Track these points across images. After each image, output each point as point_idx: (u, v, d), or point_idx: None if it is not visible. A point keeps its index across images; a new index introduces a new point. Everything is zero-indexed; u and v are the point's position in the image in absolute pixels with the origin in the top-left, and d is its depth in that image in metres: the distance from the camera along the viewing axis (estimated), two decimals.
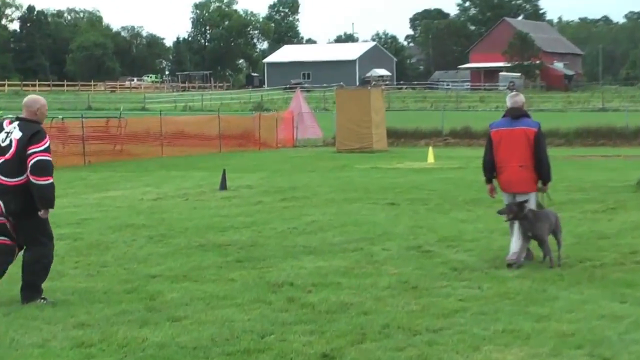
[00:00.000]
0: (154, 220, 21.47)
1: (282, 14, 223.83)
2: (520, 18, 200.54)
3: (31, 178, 12.01)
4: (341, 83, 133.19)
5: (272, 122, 55.76)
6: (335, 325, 11.10)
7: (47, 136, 12.41)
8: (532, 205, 15.50)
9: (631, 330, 10.79)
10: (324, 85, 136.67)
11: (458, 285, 13.48)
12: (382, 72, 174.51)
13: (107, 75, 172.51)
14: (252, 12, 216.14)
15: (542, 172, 15.47)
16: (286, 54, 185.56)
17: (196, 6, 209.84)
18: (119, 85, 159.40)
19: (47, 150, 12.19)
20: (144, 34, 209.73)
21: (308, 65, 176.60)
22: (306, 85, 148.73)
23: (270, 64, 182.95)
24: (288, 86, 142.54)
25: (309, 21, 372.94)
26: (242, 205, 24.68)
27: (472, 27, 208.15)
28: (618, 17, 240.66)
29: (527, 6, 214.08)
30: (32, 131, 12.19)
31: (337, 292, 13.09)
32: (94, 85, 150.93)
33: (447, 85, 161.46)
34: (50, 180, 12.15)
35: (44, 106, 12.62)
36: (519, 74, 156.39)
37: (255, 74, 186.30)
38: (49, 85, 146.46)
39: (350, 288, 13.35)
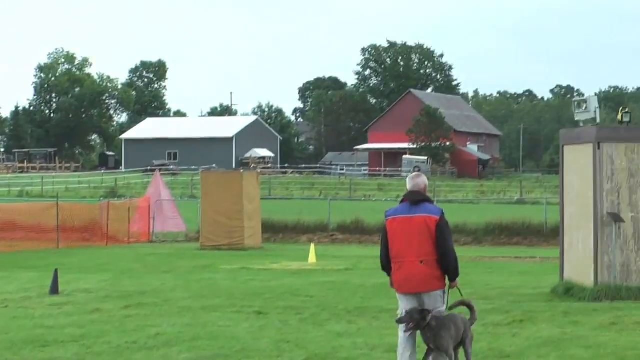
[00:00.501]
0: None
1: (146, 80, 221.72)
2: (429, 91, 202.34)
3: None
4: (214, 165, 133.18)
5: (125, 212, 54.82)
6: None
7: None
8: (439, 307, 15.26)
9: None
10: (193, 167, 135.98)
11: None
12: (264, 152, 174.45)
13: None
14: (109, 77, 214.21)
15: (448, 267, 15.24)
16: (149, 128, 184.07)
17: (40, 69, 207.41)
18: None
19: None
20: None
21: (175, 143, 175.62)
22: (172, 167, 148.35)
23: (129, 141, 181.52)
24: (150, 168, 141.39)
25: (178, 90, 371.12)
26: (75, 313, 24.13)
27: (373, 101, 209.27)
28: (543, 92, 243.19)
29: (438, 76, 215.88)
30: None
31: None
32: None
33: (341, 169, 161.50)
34: None
35: None
36: (425, 157, 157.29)
37: (111, 153, 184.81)
38: None
39: None
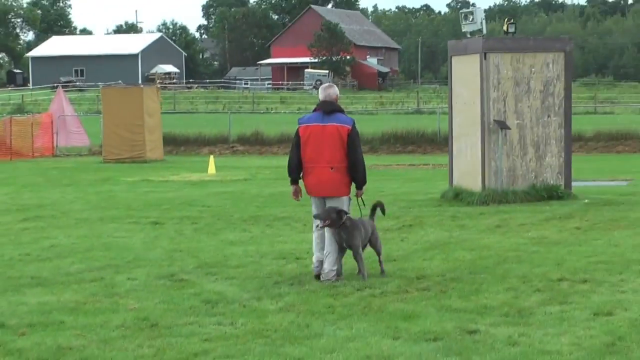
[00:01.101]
0: None
1: (52, 0, 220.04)
2: (330, 6, 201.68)
3: None
4: (119, 81, 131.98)
5: (28, 128, 54.12)
6: None
7: None
8: (345, 209, 15.68)
9: None
10: (99, 84, 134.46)
11: (207, 322, 12.93)
12: (170, 68, 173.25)
13: None
14: None
15: (356, 174, 15.77)
16: (55, 46, 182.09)
17: None
18: None
19: None
20: None
21: (81, 60, 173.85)
22: (78, 83, 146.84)
23: (36, 59, 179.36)
24: (56, 85, 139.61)
25: (84, 8, 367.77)
26: None
27: (275, 17, 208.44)
28: (440, 7, 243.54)
29: None
30: None
31: (58, 333, 12.40)
32: None
33: (245, 84, 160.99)
34: None
35: None
36: (326, 71, 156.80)
37: (18, 71, 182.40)
38: None
39: (75, 328, 12.67)
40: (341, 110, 16.06)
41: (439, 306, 13.69)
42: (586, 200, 26.69)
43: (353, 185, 16.19)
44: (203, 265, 17.49)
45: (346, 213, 15.57)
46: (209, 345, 11.68)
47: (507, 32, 28.16)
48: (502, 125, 26.45)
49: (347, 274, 16.11)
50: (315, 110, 16.00)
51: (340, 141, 15.57)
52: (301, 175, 15.90)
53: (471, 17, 29.00)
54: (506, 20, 28.87)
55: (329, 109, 15.77)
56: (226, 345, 11.66)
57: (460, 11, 31.33)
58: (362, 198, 16.26)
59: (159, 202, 28.91)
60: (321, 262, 15.80)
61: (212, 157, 44.63)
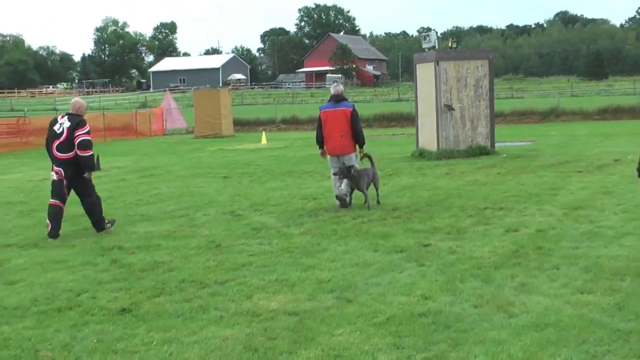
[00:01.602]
0: (31, 197, 20.11)
1: (164, 33, 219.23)
2: (341, 33, 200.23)
3: (78, 152, 13.67)
4: (207, 85, 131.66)
5: (147, 117, 53.92)
6: (141, 282, 10.13)
7: (87, 124, 13.99)
8: (353, 162, 16.07)
9: (375, 275, 10.07)
10: (195, 87, 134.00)
11: (253, 242, 12.62)
12: (239, 76, 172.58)
13: (29, 84, 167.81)
14: (140, 33, 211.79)
15: (358, 139, 16.12)
16: (167, 64, 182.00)
17: (97, 29, 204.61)
18: (38, 91, 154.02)
19: (87, 133, 13.74)
20: (57, 51, 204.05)
21: (183, 72, 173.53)
22: (181, 87, 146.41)
23: (155, 72, 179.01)
24: (168, 89, 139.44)
25: (185, 38, 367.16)
26: (108, 182, 23.33)
27: (307, 41, 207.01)
28: (412, 31, 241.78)
29: (347, 24, 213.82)
30: (77, 121, 13.78)
31: (155, 252, 12.12)
32: (18, 92, 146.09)
33: (288, 85, 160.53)
34: (91, 153, 13.85)
35: (82, 105, 14.24)
36: (340, 75, 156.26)
37: (144, 80, 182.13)
38: None
39: (166, 249, 12.38)
40: (346, 99, 16.36)
41: (405, 228, 13.33)
42: (504, 155, 26.24)
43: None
44: (253, 204, 17.14)
45: (353, 167, 15.87)
46: (253, 259, 11.36)
47: (451, 47, 27.76)
48: (449, 108, 26.10)
49: (355, 205, 15.75)
50: (329, 100, 16.38)
51: (345, 118, 16.00)
52: (323, 143, 16.25)
53: (428, 38, 28.60)
54: (451, 39, 28.39)
55: (337, 99, 16.21)
56: (264, 258, 11.34)
57: (422, 34, 30.87)
58: (365, 152, 16.51)
59: (229, 163, 28.57)
60: (337, 197, 16.05)
61: (264, 132, 44.30)
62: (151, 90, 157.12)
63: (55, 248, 12.75)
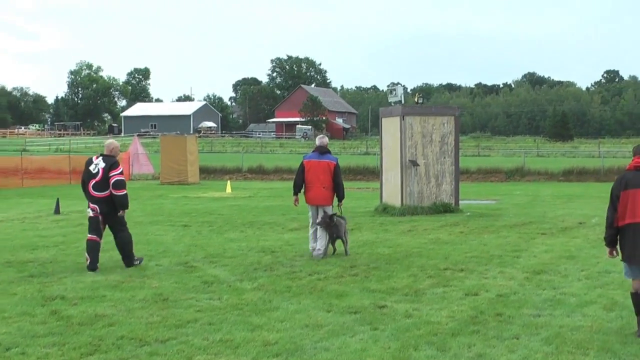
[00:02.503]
0: None
1: (137, 79, 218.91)
2: (312, 85, 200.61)
3: (112, 191, 14.55)
4: (177, 132, 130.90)
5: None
6: (77, 338, 9.41)
7: (120, 164, 14.97)
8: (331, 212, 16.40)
9: (325, 338, 9.41)
10: (165, 133, 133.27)
11: (202, 297, 11.94)
12: (210, 124, 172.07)
13: (1, 125, 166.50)
14: (114, 77, 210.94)
15: (338, 192, 16.41)
16: (139, 109, 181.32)
17: (71, 72, 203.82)
18: (9, 132, 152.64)
19: (121, 173, 14.72)
20: (31, 92, 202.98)
21: (155, 118, 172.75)
22: (152, 133, 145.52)
23: (127, 117, 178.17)
24: (138, 134, 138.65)
25: (158, 84, 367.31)
26: (66, 227, 22.62)
27: (278, 91, 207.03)
28: (383, 86, 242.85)
29: (318, 77, 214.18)
30: (111, 162, 14.69)
31: (98, 304, 11.41)
32: None
33: (258, 134, 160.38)
34: (125, 192, 14.72)
35: (116, 147, 15.13)
36: (310, 127, 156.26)
37: (115, 124, 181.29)
38: None
39: (111, 301, 11.68)
40: (329, 152, 16.68)
41: (362, 287, 12.72)
42: (468, 213, 25.81)
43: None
44: (208, 255, 16.46)
45: (335, 214, 16.27)
46: (199, 315, 10.69)
47: (417, 102, 27.36)
48: (414, 163, 25.67)
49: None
50: (314, 151, 16.58)
51: (329, 170, 16.21)
52: (302, 190, 16.38)
53: (394, 92, 28.23)
54: (417, 94, 28.04)
55: (322, 150, 16.46)
56: (211, 315, 10.67)
57: (387, 87, 30.52)
58: (340, 207, 16.79)
59: (190, 211, 27.87)
60: (314, 249, 16.17)
61: (229, 181, 43.66)
62: (122, 134, 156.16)
63: None
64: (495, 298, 11.82)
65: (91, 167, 14.75)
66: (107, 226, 15.03)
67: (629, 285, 12.62)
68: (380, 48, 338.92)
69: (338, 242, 16.63)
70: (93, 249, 14.63)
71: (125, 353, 8.74)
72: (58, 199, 27.86)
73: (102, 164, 14.65)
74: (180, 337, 9.43)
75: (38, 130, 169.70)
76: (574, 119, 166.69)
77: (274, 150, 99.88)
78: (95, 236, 14.71)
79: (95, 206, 14.69)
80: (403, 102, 28.01)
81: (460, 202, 27.20)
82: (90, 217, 14.85)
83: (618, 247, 9.78)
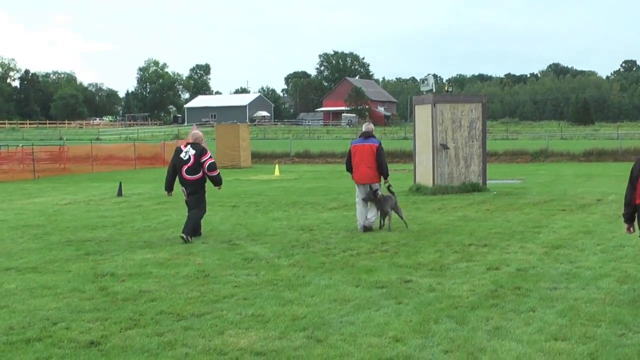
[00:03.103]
0: (50, 221, 19.08)
1: (199, 74, 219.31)
2: (357, 77, 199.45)
3: (207, 173, 15.40)
4: (234, 120, 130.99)
5: (173, 148, 52.86)
6: (119, 313, 9.06)
7: (209, 151, 15.64)
8: (379, 190, 16.33)
9: (351, 312, 8.96)
10: (223, 122, 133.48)
11: (241, 273, 11.56)
12: (264, 113, 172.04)
13: (78, 116, 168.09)
14: (178, 73, 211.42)
15: (381, 171, 16.37)
16: (200, 101, 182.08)
17: (140, 69, 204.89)
18: (85, 123, 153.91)
19: (211, 157, 15.46)
20: (105, 87, 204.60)
21: (214, 109, 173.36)
22: (211, 122, 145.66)
23: (189, 108, 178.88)
24: (198, 123, 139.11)
25: (218, 78, 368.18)
26: (125, 208, 22.39)
27: (325, 83, 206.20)
28: (422, 76, 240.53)
29: (362, 70, 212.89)
30: (200, 149, 15.35)
31: (144, 281, 11.07)
32: (68, 123, 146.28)
33: (308, 122, 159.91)
34: (218, 172, 15.77)
35: (200, 136, 15.66)
36: (354, 115, 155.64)
37: (179, 115, 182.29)
38: (36, 124, 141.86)
39: (156, 277, 11.34)
40: (374, 136, 16.70)
41: (390, 263, 12.25)
42: (495, 192, 25.16)
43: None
44: (251, 234, 16.09)
45: (377, 190, 16.23)
46: (236, 290, 10.30)
47: (447, 91, 26.76)
48: (444, 147, 25.07)
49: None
50: (360, 136, 16.73)
51: (372, 152, 16.28)
52: (352, 171, 16.59)
53: (426, 82, 27.66)
54: (447, 83, 27.42)
55: (367, 135, 16.55)
56: (247, 290, 10.28)
57: (419, 78, 29.91)
58: (387, 183, 16.72)
59: (240, 192, 27.53)
60: (364, 226, 16.10)
61: (277, 165, 43.32)
62: (185, 124, 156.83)
63: (52, 273, 11.73)
64: (515, 272, 11.29)
65: (182, 155, 15.29)
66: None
67: None
68: (418, 43, 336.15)
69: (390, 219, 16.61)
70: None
71: (162, 327, 8.38)
72: (120, 182, 27.71)
73: (192, 151, 15.21)
74: (215, 312, 9.05)
75: (111, 121, 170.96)
76: (594, 105, 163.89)
77: (321, 137, 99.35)
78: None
79: (184, 188, 15.51)
80: (434, 90, 27.40)
81: (487, 181, 26.55)
82: (185, 200, 15.90)
83: (636, 223, 9.54)
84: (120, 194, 26.60)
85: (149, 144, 61.61)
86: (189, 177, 15.31)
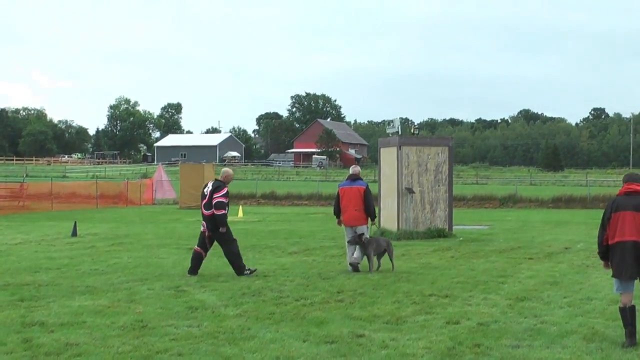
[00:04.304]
0: None
1: (170, 112, 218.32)
2: (328, 119, 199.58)
3: (214, 210, 15.38)
4: (204, 160, 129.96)
5: (137, 187, 52.04)
6: None
7: (226, 188, 15.61)
8: (364, 231, 16.45)
9: None
10: (193, 162, 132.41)
11: (182, 324, 10.70)
12: (235, 153, 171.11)
13: (47, 153, 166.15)
14: (149, 112, 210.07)
15: (369, 213, 16.52)
16: (171, 140, 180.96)
17: (111, 107, 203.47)
18: (54, 160, 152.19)
19: (223, 196, 15.39)
20: (75, 125, 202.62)
21: (185, 148, 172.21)
22: (181, 161, 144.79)
23: (160, 147, 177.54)
24: (169, 162, 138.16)
25: (190, 117, 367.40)
26: (77, 249, 21.45)
27: (297, 125, 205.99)
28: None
29: (333, 112, 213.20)
30: (216, 186, 15.54)
31: (75, 331, 10.18)
32: (36, 160, 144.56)
33: (278, 163, 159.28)
34: (223, 212, 15.43)
35: (229, 174, 16.04)
36: (325, 157, 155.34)
37: (149, 154, 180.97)
38: (3, 160, 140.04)
39: (89, 327, 10.46)
40: (361, 179, 16.96)
41: (344, 314, 11.46)
42: (461, 238, 24.53)
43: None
44: (202, 279, 15.22)
45: (363, 234, 16.29)
46: (172, 344, 9.45)
47: (413, 133, 26.22)
48: (410, 191, 24.47)
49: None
50: (347, 179, 16.94)
51: (360, 195, 16.45)
52: (340, 214, 16.67)
53: (392, 124, 27.10)
54: (413, 126, 26.93)
55: (354, 178, 16.77)
56: (184, 345, 9.43)
57: (385, 120, 29.39)
58: (375, 224, 17.73)
59: (199, 234, 26.55)
60: (350, 264, 16.35)
61: (241, 206, 42.47)
62: (155, 163, 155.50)
63: None
64: (476, 327, 10.54)
65: (205, 190, 15.66)
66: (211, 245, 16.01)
67: (610, 313, 11.40)
68: (390, 86, 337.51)
69: (383, 259, 16.89)
70: (195, 258, 15.77)
71: None
72: (75, 222, 26.75)
73: (210, 187, 15.55)
74: None
75: (79, 158, 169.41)
76: (564, 151, 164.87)
77: (290, 178, 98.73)
78: (200, 248, 15.82)
79: (204, 222, 15.72)
80: (400, 133, 26.87)
81: (454, 227, 25.97)
82: (201, 231, 16.00)
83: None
84: (74, 234, 25.64)
85: (112, 182, 60.51)
86: (205, 212, 15.51)
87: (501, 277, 15.50)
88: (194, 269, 15.67)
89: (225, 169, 16.28)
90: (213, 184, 15.67)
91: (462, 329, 10.37)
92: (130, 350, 9.12)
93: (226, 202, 15.43)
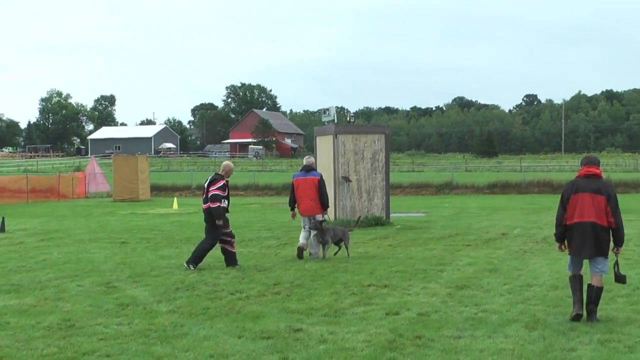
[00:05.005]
0: None
1: (104, 105, 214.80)
2: (264, 110, 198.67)
3: (210, 204, 15.17)
4: (139, 152, 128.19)
5: (70, 180, 50.80)
6: None
7: (222, 181, 15.33)
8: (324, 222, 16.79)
9: None
10: (127, 154, 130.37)
11: (112, 322, 10.21)
12: (170, 145, 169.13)
13: None
14: (82, 104, 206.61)
15: (323, 203, 16.74)
16: (105, 133, 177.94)
17: (42, 100, 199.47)
18: None
19: (218, 189, 15.14)
20: (5, 118, 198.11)
21: (119, 140, 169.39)
22: (114, 154, 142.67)
23: (93, 140, 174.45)
24: (103, 155, 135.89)
25: (124, 109, 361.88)
26: (4, 245, 20.66)
27: (233, 115, 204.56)
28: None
29: (269, 102, 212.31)
30: (213, 178, 15.39)
31: None
32: None
33: (214, 154, 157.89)
34: (218, 205, 15.08)
35: (229, 168, 15.72)
36: (261, 147, 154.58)
37: (82, 147, 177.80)
38: None
39: (13, 329, 9.91)
40: (314, 169, 17.30)
41: (281, 307, 11.11)
42: (398, 226, 24.39)
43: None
44: (134, 274, 14.69)
45: (324, 221, 16.77)
46: (101, 345, 8.97)
47: (349, 122, 25.95)
48: (347, 179, 24.22)
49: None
50: (301, 170, 17.18)
51: (314, 186, 16.73)
52: (295, 205, 16.97)
53: (328, 112, 26.81)
54: (348, 114, 26.70)
55: (308, 169, 17.02)
56: (113, 344, 8.97)
57: (321, 109, 29.09)
58: (327, 215, 17.61)
59: (133, 227, 26.01)
60: (301, 246, 16.67)
61: (175, 198, 41.79)
62: (88, 156, 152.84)
63: None
64: (416, 317, 10.28)
65: (205, 184, 15.47)
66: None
67: (550, 300, 11.29)
68: (325, 75, 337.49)
69: (335, 246, 17.10)
70: (224, 253, 15.60)
71: None
72: (3, 217, 25.85)
73: (208, 181, 15.42)
74: None
75: (11, 152, 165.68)
76: (498, 138, 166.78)
77: None
78: (221, 244, 15.60)
79: (204, 215, 15.49)
80: (336, 121, 26.58)
81: (391, 215, 25.80)
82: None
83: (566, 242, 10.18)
84: (2, 229, 24.77)
85: (44, 176, 59.04)
86: (203, 205, 15.47)
87: (440, 265, 15.32)
88: (230, 262, 15.45)
89: (226, 162, 16.08)
90: (211, 177, 15.56)
91: (402, 320, 10.11)
92: (55, 352, 8.63)
93: (222, 195, 15.17)
